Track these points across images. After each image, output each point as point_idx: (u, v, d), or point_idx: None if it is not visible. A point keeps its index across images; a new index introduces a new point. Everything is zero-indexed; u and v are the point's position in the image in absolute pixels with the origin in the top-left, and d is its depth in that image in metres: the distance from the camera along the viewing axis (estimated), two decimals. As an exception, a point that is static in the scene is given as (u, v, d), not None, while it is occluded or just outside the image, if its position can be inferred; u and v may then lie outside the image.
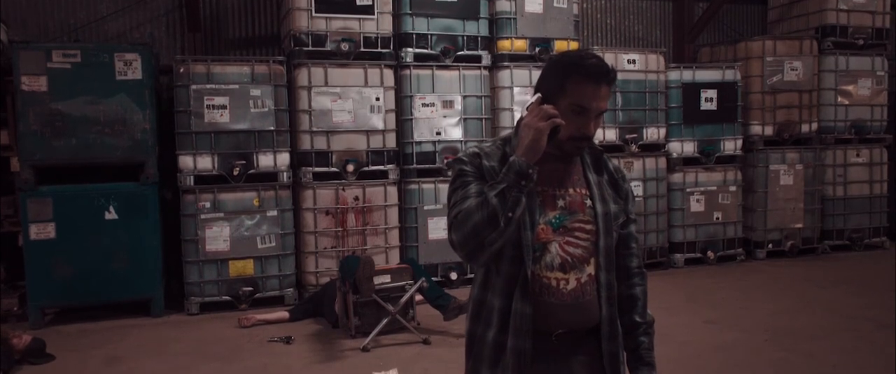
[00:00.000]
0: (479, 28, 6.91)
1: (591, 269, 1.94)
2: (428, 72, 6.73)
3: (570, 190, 1.95)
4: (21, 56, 5.67)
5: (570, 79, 1.85)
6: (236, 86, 6.15)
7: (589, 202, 1.95)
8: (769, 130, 8.08)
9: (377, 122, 6.52)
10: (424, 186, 6.75)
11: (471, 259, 1.87)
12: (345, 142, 6.47)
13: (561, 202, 1.93)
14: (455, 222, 1.83)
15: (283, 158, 6.32)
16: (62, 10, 7.18)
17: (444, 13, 6.77)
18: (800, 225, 8.20)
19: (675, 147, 7.78)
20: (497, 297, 1.91)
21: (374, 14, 6.49)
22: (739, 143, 7.99)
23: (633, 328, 2.03)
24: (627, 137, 7.45)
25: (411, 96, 6.68)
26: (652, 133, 7.59)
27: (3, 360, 4.62)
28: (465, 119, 6.80)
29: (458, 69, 6.80)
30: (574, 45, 7.26)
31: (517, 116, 6.95)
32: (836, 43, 8.31)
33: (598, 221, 1.94)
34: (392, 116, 6.61)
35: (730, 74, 7.89)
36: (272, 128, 6.23)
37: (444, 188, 6.51)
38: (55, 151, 5.74)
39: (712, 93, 7.79)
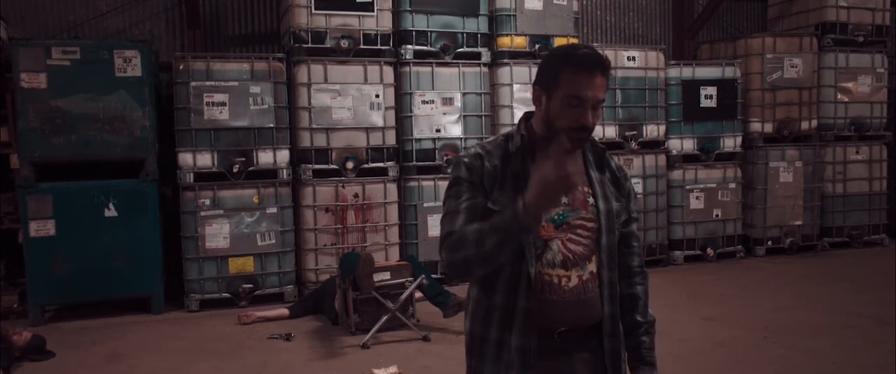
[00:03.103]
0: (478, 25, 6.90)
1: (592, 266, 1.94)
2: (427, 69, 6.73)
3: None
4: (20, 53, 5.66)
5: (563, 70, 1.84)
6: (236, 83, 6.14)
7: (591, 200, 1.95)
8: (769, 128, 8.08)
9: (377, 119, 6.52)
10: (424, 183, 6.74)
11: (454, 277, 1.89)
12: (344, 139, 6.47)
13: (564, 199, 1.91)
14: (447, 244, 1.85)
15: (283, 156, 6.31)
16: (61, 6, 7.18)
17: (443, 10, 6.76)
18: (799, 222, 8.20)
19: (675, 144, 7.78)
20: (498, 295, 1.91)
21: (373, 11, 6.49)
22: (739, 140, 8.00)
23: (634, 328, 2.04)
24: (627, 134, 7.45)
25: (411, 93, 6.68)
26: (651, 130, 7.58)
27: (4, 357, 4.62)
28: (464, 116, 6.80)
29: (458, 66, 6.79)
30: (574, 43, 7.26)
31: (517, 113, 6.97)
32: (835, 40, 8.31)
33: (601, 218, 1.94)
34: (392, 114, 6.61)
35: (729, 71, 7.89)
36: (272, 125, 6.23)
37: (443, 186, 6.49)
38: (55, 149, 5.73)
39: (712, 90, 7.79)
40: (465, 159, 1.94)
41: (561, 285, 1.90)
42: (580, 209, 1.93)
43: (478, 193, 1.89)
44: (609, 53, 7.27)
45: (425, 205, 6.72)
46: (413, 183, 6.74)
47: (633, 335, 2.04)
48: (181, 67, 6.09)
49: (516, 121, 2.41)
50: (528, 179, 1.86)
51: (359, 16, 6.46)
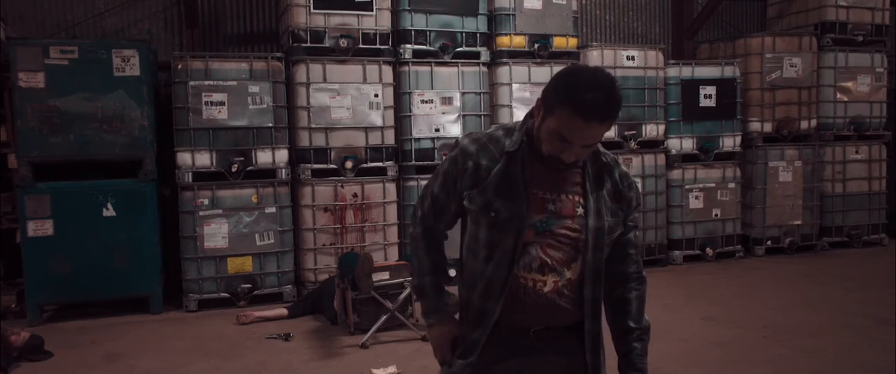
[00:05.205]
0: (477, 24, 6.89)
1: (570, 273, 1.91)
2: (426, 68, 6.72)
3: (563, 196, 1.91)
4: (18, 52, 5.65)
5: (563, 107, 1.73)
6: (234, 82, 6.13)
7: (580, 211, 1.90)
8: (768, 127, 8.07)
9: (376, 118, 6.51)
10: (423, 182, 6.73)
11: None
12: (343, 139, 6.46)
13: (551, 207, 1.89)
14: (413, 226, 2.10)
15: (282, 155, 6.30)
16: (60, 6, 7.16)
17: (442, 9, 6.75)
18: (798, 222, 8.20)
19: (674, 144, 7.77)
20: (478, 297, 1.95)
21: (372, 10, 6.47)
22: (738, 139, 7.99)
23: (626, 333, 2.02)
24: (626, 133, 7.44)
25: (410, 93, 6.67)
26: (651, 130, 7.58)
27: (2, 357, 4.62)
28: (463, 116, 6.78)
29: (457, 66, 6.78)
30: (573, 42, 7.25)
31: (516, 112, 6.97)
32: (835, 39, 8.30)
33: (589, 235, 1.90)
34: (391, 113, 6.60)
35: (729, 71, 7.88)
36: (271, 124, 6.22)
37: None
38: (53, 148, 5.72)
39: (711, 89, 7.79)
40: (458, 155, 1.95)
41: (535, 290, 1.90)
42: (567, 218, 1.90)
43: (448, 190, 1.97)
44: (608, 53, 7.36)
45: (424, 204, 6.70)
46: (412, 183, 6.73)
47: (625, 340, 2.02)
48: (180, 67, 6.07)
49: (515, 120, 2.43)
50: (515, 184, 1.87)
51: (358, 15, 6.45)
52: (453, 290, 2.11)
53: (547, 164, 1.86)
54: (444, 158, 2.03)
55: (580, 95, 1.71)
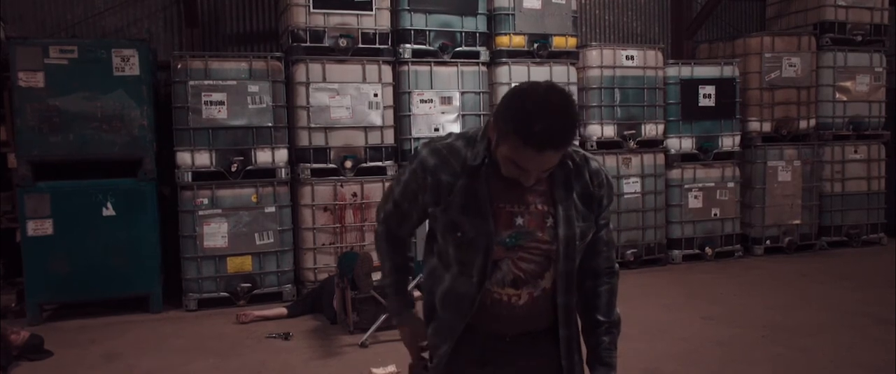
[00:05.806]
0: (477, 24, 6.89)
1: (545, 282, 1.88)
2: (426, 68, 6.72)
3: (531, 207, 1.84)
4: (18, 52, 5.65)
5: (513, 136, 1.63)
6: (234, 82, 6.13)
7: (550, 221, 1.84)
8: (767, 127, 8.08)
9: (375, 118, 6.51)
10: (423, 182, 6.72)
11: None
12: (343, 138, 6.46)
13: (519, 220, 1.83)
14: (378, 227, 2.10)
15: (281, 155, 6.31)
16: (59, 5, 7.16)
17: (442, 9, 6.75)
18: (797, 221, 8.21)
19: (674, 143, 7.78)
20: (445, 310, 1.95)
21: (372, 10, 6.47)
22: (737, 139, 8.00)
23: (595, 327, 2.00)
24: (625, 133, 7.45)
25: (409, 93, 6.68)
26: (650, 129, 7.58)
27: (2, 356, 4.62)
28: (463, 115, 6.79)
29: (457, 65, 6.79)
30: (572, 42, 7.25)
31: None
32: (834, 39, 8.31)
33: (560, 245, 1.84)
34: (390, 113, 6.60)
35: (728, 71, 7.89)
36: (270, 124, 6.22)
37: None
38: (52, 147, 5.72)
39: (710, 89, 7.79)
40: (415, 164, 1.90)
41: (510, 303, 1.87)
42: (535, 231, 1.84)
43: (410, 200, 1.95)
44: (607, 53, 7.36)
45: (424, 204, 6.70)
46: (411, 182, 6.71)
47: (594, 334, 2.00)
48: (179, 66, 6.07)
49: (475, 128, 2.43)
50: (480, 201, 1.80)
51: (357, 15, 6.45)
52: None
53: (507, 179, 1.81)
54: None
55: (529, 126, 1.60)
